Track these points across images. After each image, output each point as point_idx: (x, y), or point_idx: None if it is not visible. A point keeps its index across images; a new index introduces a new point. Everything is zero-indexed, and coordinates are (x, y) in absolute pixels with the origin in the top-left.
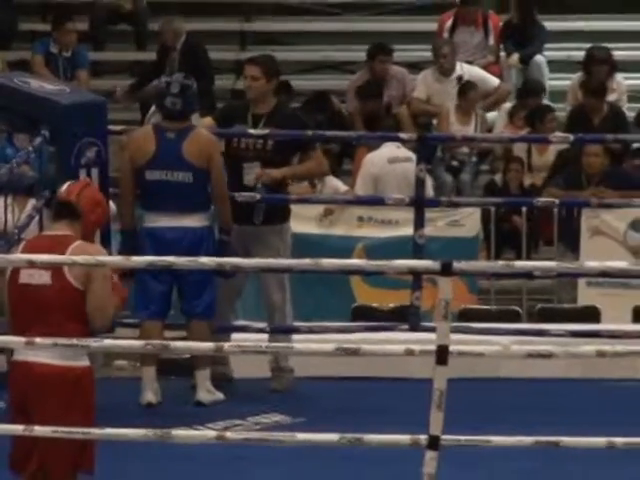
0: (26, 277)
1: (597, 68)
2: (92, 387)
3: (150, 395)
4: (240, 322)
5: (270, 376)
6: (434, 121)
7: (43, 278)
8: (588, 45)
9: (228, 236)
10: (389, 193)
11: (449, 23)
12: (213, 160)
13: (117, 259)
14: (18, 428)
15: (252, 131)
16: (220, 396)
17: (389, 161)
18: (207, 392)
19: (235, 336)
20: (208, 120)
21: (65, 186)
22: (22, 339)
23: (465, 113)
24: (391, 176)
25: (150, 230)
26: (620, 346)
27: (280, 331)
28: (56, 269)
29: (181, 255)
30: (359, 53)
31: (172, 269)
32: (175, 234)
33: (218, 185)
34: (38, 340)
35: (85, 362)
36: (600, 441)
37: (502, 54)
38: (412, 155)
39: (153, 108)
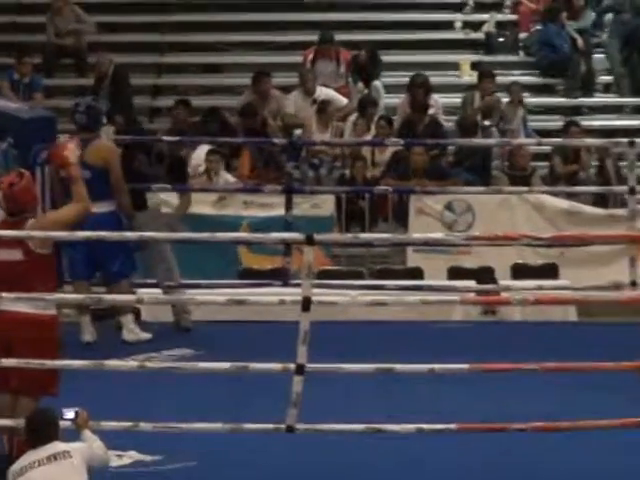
0: (3, 255)
1: (416, 90)
2: (58, 330)
3: (88, 336)
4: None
5: (176, 319)
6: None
7: (16, 255)
8: (413, 73)
9: (129, 220)
10: None
11: (311, 56)
12: (110, 164)
13: (64, 234)
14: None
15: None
16: (141, 335)
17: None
18: (130, 332)
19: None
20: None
21: None
22: None
23: (323, 124)
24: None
25: None
26: (438, 297)
27: (183, 286)
28: (23, 245)
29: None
30: (245, 79)
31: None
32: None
33: (115, 182)
34: (4, 294)
35: (54, 311)
36: (423, 367)
37: (350, 80)
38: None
39: None
